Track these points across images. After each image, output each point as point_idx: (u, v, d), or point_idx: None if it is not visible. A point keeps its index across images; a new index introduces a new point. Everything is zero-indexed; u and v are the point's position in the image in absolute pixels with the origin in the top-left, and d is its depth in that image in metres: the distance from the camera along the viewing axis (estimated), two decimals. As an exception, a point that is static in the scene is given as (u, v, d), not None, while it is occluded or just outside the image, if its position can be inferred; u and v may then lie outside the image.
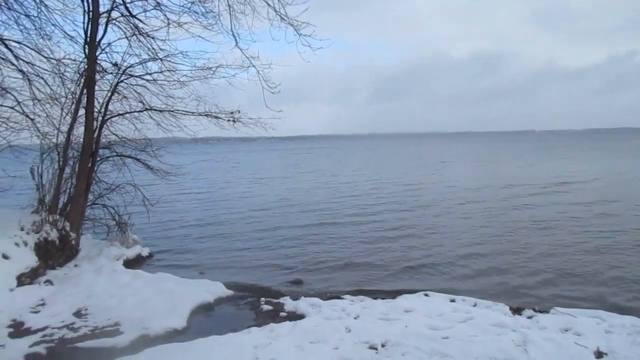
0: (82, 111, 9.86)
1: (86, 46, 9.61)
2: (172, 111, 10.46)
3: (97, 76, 10.00)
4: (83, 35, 9.59)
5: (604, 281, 8.42)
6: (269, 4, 8.61)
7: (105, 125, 10.46)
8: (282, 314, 6.80)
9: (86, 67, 9.60)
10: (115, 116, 10.61)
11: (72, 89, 9.62)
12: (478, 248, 10.90)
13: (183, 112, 10.47)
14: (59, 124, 9.58)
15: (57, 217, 9.33)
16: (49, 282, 8.16)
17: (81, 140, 10.00)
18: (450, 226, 13.60)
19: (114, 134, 10.82)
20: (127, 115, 10.65)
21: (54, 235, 8.97)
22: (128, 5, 9.68)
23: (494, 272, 9.12)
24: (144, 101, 10.51)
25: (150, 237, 12.64)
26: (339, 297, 7.46)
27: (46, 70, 9.25)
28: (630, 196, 18.09)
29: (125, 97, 10.51)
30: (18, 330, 6.24)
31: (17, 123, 9.55)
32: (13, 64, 8.97)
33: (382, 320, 6.21)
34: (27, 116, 9.40)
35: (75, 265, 9.22)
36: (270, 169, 42.27)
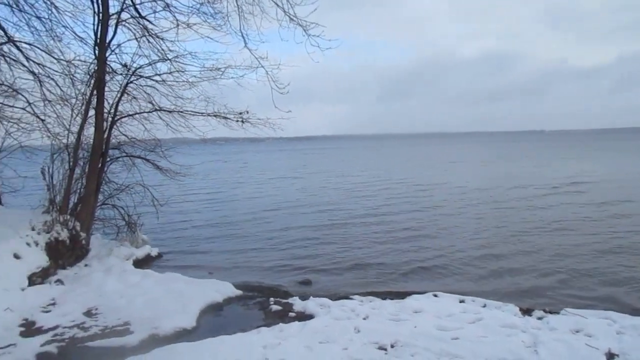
0: (92, 112, 9.92)
1: (96, 47, 9.67)
2: (181, 112, 10.51)
3: (107, 77, 10.06)
4: (93, 37, 9.65)
5: (616, 282, 8.34)
6: (277, 5, 8.62)
7: (115, 126, 10.52)
8: (291, 314, 6.79)
9: (96, 68, 9.65)
10: (124, 117, 10.68)
11: (82, 90, 9.69)
12: (488, 249, 10.84)
13: (192, 113, 10.52)
14: (70, 125, 9.66)
15: (68, 217, 9.39)
16: (59, 281, 8.23)
17: (91, 140, 10.06)
18: (460, 227, 13.53)
19: (124, 135, 10.90)
20: (137, 115, 10.72)
21: (64, 235, 9.03)
22: (138, 6, 9.73)
23: (504, 273, 9.06)
24: (153, 102, 10.58)
25: (160, 237, 12.73)
26: (348, 298, 7.44)
27: (57, 71, 9.35)
28: (641, 196, 17.88)
29: (134, 97, 10.57)
30: (29, 329, 6.29)
31: (28, 124, 9.67)
32: (24, 66, 9.07)
33: (392, 321, 6.19)
34: (38, 117, 9.50)
35: (86, 265, 9.27)
36: (279, 169, 42.35)
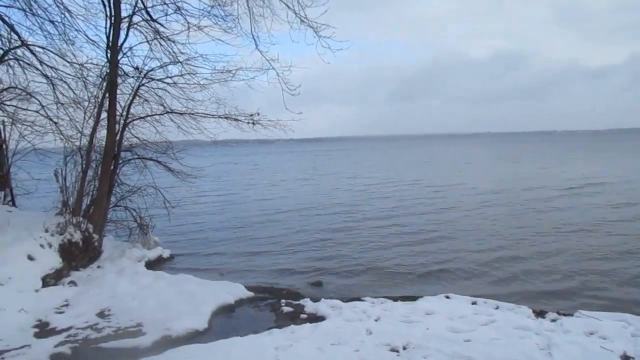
0: (104, 114, 10.00)
1: (108, 50, 9.74)
2: (193, 114, 10.57)
3: (119, 80, 10.14)
4: (105, 40, 9.74)
5: (631, 284, 8.22)
6: (288, 7, 8.63)
7: (127, 128, 10.59)
8: (303, 315, 6.79)
9: (108, 71, 9.72)
10: (136, 119, 10.75)
11: (94, 93, 9.77)
12: (501, 251, 10.74)
13: (203, 115, 10.58)
14: (82, 128, 9.75)
15: (81, 219, 9.47)
16: (72, 283, 8.29)
17: (103, 143, 10.15)
18: (473, 228, 13.41)
19: (136, 137, 10.97)
20: (149, 118, 10.79)
21: (77, 236, 9.11)
22: (149, 9, 9.79)
23: (517, 275, 8.96)
24: (164, 104, 10.64)
25: (171, 238, 12.78)
26: (359, 299, 7.39)
27: (69, 74, 9.41)
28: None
29: (146, 100, 10.65)
30: (43, 330, 6.36)
31: (42, 126, 9.78)
32: (37, 69, 9.16)
33: (403, 323, 6.15)
34: (51, 120, 9.59)
35: (98, 267, 9.34)
36: (289, 170, 42.32)
